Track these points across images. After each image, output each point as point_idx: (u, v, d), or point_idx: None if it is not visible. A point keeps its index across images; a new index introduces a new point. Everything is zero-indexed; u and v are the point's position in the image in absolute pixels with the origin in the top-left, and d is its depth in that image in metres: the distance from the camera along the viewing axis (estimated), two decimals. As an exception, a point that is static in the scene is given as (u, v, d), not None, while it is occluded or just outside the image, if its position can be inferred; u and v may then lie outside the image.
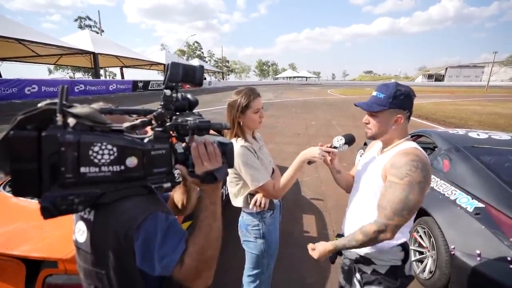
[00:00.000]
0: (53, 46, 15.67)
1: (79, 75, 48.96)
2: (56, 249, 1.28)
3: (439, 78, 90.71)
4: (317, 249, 1.24)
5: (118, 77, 30.14)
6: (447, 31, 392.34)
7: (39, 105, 0.54)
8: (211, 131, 0.75)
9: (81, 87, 16.79)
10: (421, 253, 2.41)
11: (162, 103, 0.67)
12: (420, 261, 2.39)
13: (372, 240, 1.10)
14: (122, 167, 0.61)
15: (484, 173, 2.30)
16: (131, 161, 0.62)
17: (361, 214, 1.25)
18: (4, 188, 1.89)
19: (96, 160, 0.57)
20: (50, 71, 51.07)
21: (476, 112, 13.58)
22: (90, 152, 0.56)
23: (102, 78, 26.27)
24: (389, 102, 1.13)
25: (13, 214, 1.66)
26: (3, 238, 1.40)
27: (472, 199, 2.17)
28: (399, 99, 1.12)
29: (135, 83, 22.45)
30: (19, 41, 13.89)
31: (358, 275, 1.29)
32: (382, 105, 1.14)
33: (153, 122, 0.68)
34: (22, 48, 15.71)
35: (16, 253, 1.28)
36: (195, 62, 43.90)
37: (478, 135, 2.98)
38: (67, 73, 50.30)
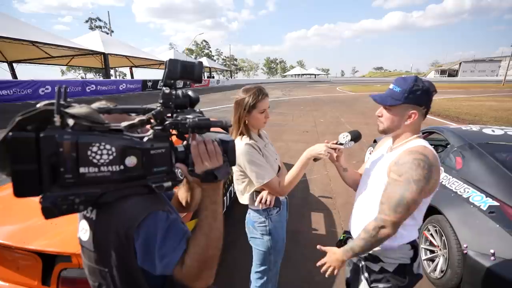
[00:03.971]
0: (65, 48, 15.98)
1: (90, 76, 50.10)
2: (70, 244, 1.32)
3: (452, 73, 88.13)
4: (328, 263, 1.22)
5: (128, 77, 30.54)
6: (463, 25, 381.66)
7: (38, 105, 0.54)
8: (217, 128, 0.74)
9: (92, 87, 17.10)
10: (432, 251, 2.35)
11: (161, 101, 0.66)
12: (431, 260, 2.34)
13: (373, 236, 1.09)
14: (122, 167, 0.60)
15: (499, 171, 2.22)
16: (131, 161, 0.61)
17: (367, 211, 1.23)
18: None
19: (95, 160, 0.57)
20: (63, 72, 52.43)
21: (492, 108, 13.12)
22: (89, 153, 0.56)
23: (113, 78, 26.71)
24: (404, 97, 1.09)
25: (29, 210, 1.70)
26: (21, 233, 1.45)
27: (486, 197, 2.10)
28: (415, 95, 1.08)
29: (144, 83, 22.72)
30: (33, 43, 14.24)
31: (366, 273, 1.27)
32: (397, 99, 1.11)
33: (152, 120, 0.67)
34: (36, 50, 16.11)
35: (32, 247, 1.33)
36: (203, 60, 44.03)
37: (493, 131, 2.88)
38: (79, 74, 51.50)
